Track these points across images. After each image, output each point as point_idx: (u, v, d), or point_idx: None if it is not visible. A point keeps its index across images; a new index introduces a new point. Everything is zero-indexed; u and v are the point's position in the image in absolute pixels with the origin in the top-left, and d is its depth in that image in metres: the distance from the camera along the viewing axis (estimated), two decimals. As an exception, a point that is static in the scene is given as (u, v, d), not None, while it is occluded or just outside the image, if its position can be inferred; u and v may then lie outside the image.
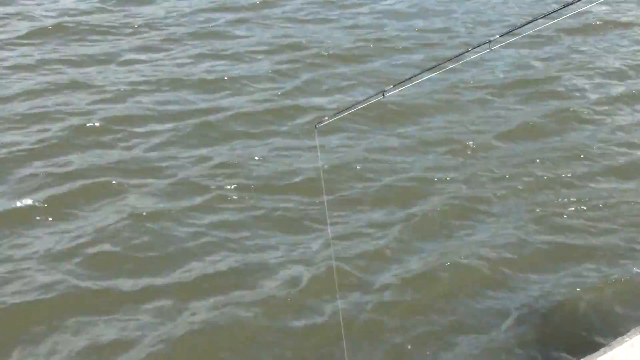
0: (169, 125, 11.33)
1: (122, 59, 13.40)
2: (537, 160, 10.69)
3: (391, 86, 6.12)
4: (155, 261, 8.73)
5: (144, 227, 9.17)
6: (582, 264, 8.81)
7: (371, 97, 6.46)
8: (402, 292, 8.37)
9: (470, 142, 10.99)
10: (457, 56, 6.17)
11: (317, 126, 7.31)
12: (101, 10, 15.36)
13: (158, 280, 8.44)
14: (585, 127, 11.49)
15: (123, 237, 9.03)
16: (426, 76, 5.84)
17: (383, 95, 6.33)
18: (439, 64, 5.79)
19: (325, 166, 10.10)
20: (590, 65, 13.43)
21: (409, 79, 5.92)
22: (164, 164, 10.41)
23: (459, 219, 9.50)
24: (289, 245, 9.02)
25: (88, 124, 11.19)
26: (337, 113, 7.12)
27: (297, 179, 10.14)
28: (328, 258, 8.40)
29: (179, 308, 8.10)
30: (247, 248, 8.95)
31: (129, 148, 10.77)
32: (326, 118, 7.17)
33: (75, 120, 11.32)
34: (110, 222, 9.26)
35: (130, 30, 14.50)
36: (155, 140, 10.96)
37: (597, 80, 12.97)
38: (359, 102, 6.60)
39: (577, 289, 8.44)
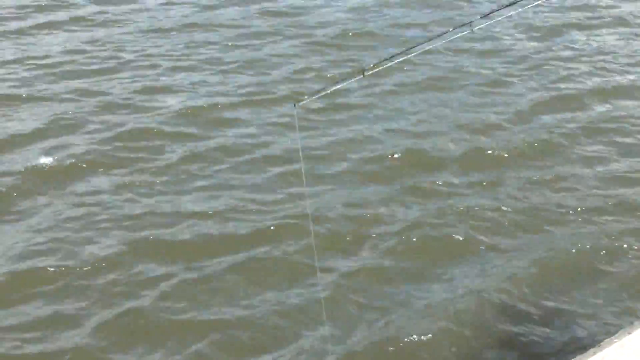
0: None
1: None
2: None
3: (371, 65, 6.09)
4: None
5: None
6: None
7: (351, 76, 6.43)
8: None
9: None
10: (438, 36, 6.14)
11: (297, 105, 7.30)
12: None
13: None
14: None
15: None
16: (405, 56, 5.80)
17: (363, 74, 6.28)
18: (418, 44, 5.75)
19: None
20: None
21: (389, 58, 5.88)
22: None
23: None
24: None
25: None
26: (317, 92, 7.09)
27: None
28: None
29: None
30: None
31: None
32: (306, 97, 7.15)
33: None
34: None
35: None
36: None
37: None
38: (339, 82, 6.57)
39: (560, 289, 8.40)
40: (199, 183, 9.67)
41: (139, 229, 8.90)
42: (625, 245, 8.78)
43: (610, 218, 9.24)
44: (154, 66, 12.61)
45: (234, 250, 8.56)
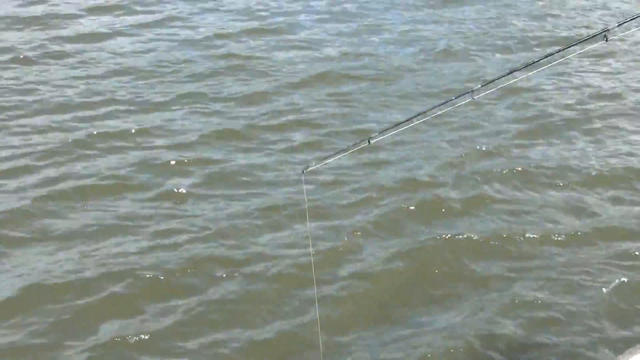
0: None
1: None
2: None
3: (377, 133, 6.36)
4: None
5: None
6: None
7: (357, 143, 6.69)
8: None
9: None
10: (442, 104, 6.41)
11: (305, 171, 7.56)
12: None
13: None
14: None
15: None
16: (410, 124, 6.06)
17: (369, 142, 6.57)
18: (420, 113, 6.02)
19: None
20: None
21: (395, 125, 6.14)
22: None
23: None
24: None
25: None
26: (324, 159, 7.37)
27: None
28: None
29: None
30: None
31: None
32: (313, 163, 7.42)
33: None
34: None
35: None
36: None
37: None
38: (344, 150, 6.82)
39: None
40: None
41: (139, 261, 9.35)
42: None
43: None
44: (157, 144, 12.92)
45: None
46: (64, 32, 16.53)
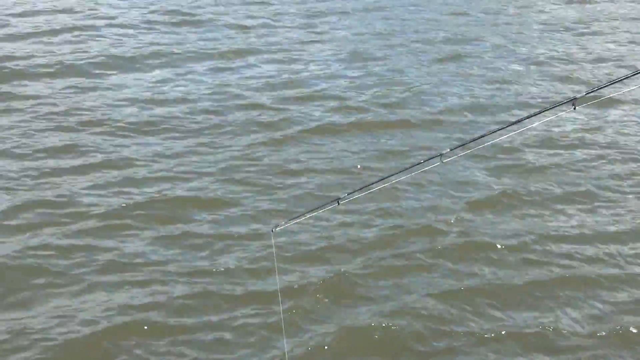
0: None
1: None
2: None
3: (346, 194, 6.38)
4: None
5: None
6: None
7: (326, 204, 6.71)
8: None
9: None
10: (408, 168, 6.45)
11: (274, 230, 7.55)
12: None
13: None
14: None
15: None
16: (378, 186, 6.08)
17: (338, 203, 6.60)
18: (391, 175, 6.06)
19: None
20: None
21: (363, 188, 6.17)
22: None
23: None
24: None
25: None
26: (293, 218, 7.36)
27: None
28: None
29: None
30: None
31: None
32: (283, 222, 7.41)
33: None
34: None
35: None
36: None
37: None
38: (313, 210, 6.83)
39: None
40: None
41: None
42: None
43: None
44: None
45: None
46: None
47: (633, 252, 11.52)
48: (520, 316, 9.96)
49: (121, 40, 19.73)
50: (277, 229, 7.53)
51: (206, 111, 15.87)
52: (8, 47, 18.52)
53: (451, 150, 6.54)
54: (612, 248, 11.59)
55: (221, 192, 12.66)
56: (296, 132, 15.17)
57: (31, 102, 15.66)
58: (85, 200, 12.08)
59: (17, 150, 13.57)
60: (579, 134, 15.76)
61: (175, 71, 18.04)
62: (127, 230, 11.37)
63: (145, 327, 9.36)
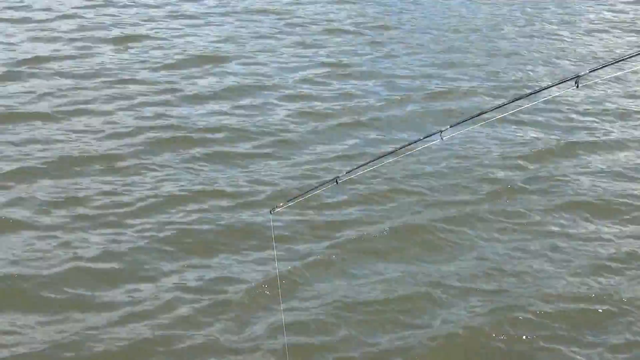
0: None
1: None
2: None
3: (344, 172, 6.28)
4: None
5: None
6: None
7: (325, 183, 6.61)
8: None
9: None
10: (409, 144, 6.37)
11: (272, 212, 7.47)
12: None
13: None
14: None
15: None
16: (379, 163, 5.99)
17: (337, 182, 6.50)
18: (389, 152, 5.96)
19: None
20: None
21: (362, 165, 6.08)
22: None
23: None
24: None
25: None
26: (291, 199, 7.28)
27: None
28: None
29: None
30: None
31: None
32: (281, 204, 7.33)
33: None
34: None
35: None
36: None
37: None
38: (312, 189, 6.74)
39: None
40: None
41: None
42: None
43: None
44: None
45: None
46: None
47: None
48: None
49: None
50: (276, 210, 7.45)
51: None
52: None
53: (451, 127, 6.46)
54: None
55: (217, 174, 12.61)
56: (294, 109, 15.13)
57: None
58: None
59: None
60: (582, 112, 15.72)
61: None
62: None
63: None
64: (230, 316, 9.20)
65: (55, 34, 18.80)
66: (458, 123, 6.66)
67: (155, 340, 8.73)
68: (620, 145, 14.36)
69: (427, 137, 6.47)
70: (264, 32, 20.02)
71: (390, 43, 19.68)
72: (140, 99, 15.37)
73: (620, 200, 12.20)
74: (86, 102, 15.05)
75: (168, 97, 15.58)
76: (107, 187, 11.93)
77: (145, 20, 20.47)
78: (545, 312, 9.37)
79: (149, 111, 14.85)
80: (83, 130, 13.88)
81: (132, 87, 15.88)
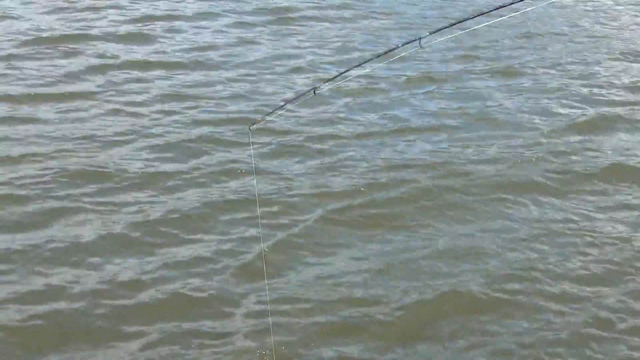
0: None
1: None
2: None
3: (322, 83, 6.13)
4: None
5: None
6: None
7: (303, 94, 6.45)
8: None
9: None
10: (386, 52, 6.19)
11: (251, 128, 7.34)
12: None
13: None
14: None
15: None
16: (356, 73, 5.85)
17: (314, 92, 6.33)
18: (367, 61, 5.81)
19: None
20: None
21: (339, 75, 5.93)
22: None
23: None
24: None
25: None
26: (269, 113, 7.13)
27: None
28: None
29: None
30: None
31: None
32: (259, 118, 7.19)
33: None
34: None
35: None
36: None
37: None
38: (290, 100, 6.61)
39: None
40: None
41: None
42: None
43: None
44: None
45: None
46: None
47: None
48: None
49: None
50: (254, 126, 7.32)
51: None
52: None
53: (430, 34, 6.27)
54: None
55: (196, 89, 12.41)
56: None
57: None
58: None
59: None
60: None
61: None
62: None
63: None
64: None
65: None
66: (438, 30, 6.47)
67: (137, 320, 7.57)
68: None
69: (406, 44, 6.29)
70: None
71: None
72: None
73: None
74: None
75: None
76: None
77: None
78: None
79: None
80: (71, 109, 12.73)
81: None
